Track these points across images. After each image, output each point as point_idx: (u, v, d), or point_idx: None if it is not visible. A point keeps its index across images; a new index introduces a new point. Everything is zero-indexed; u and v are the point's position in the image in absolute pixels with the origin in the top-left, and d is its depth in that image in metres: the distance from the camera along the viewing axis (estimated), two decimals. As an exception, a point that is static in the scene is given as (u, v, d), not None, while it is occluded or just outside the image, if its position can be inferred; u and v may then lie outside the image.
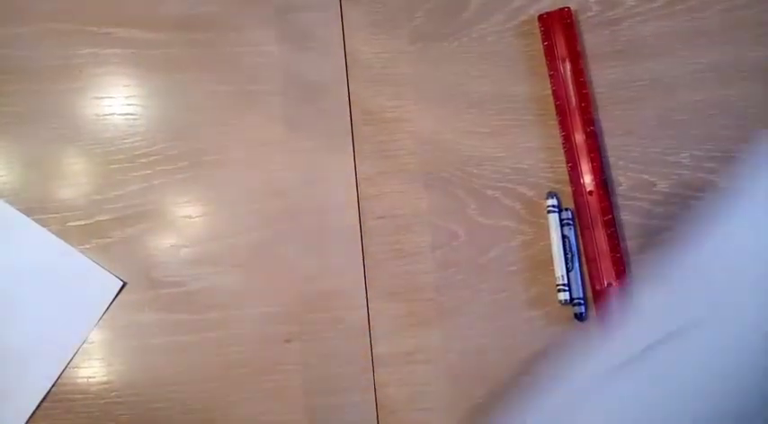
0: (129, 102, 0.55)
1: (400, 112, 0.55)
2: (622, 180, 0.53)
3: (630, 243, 0.51)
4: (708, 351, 0.38)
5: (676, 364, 0.38)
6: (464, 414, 0.49)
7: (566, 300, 0.50)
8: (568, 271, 0.50)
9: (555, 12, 0.55)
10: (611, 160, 0.53)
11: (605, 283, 0.50)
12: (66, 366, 0.50)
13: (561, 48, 0.54)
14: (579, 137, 0.53)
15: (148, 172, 0.53)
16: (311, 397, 0.50)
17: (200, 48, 0.56)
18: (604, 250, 0.51)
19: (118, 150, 0.54)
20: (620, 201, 0.52)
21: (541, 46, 0.55)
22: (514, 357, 0.50)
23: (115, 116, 0.55)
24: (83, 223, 0.52)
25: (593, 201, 0.52)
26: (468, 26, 0.56)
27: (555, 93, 0.54)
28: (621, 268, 0.50)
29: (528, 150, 0.53)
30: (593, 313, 0.50)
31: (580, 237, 0.52)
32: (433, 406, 0.49)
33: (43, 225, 0.52)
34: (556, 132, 0.54)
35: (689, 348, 0.37)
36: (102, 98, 0.55)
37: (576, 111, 0.53)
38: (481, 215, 0.52)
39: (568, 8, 0.55)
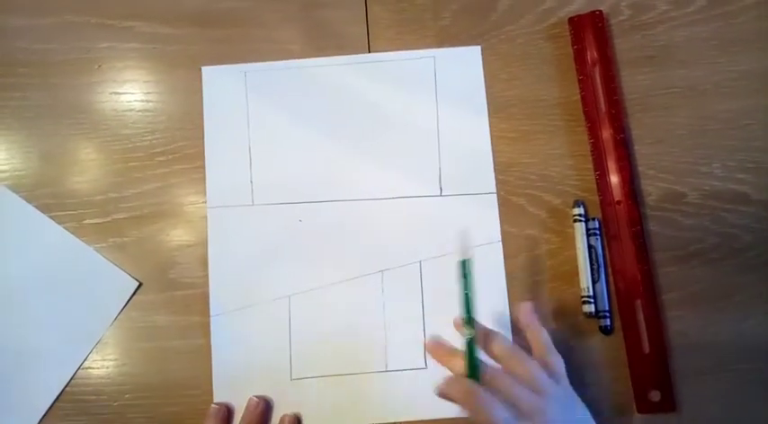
0: (149, 99, 0.54)
1: (424, 115, 0.53)
2: (652, 190, 0.51)
3: (659, 256, 0.50)
4: None
5: None
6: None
7: (591, 312, 0.48)
8: (594, 283, 0.49)
9: (586, 15, 0.54)
10: (641, 169, 0.51)
11: (632, 296, 0.49)
12: (79, 367, 0.49)
13: (591, 53, 0.53)
14: (608, 145, 0.51)
15: (166, 170, 0.52)
16: (328, 404, 0.49)
17: (222, 44, 0.54)
18: (632, 261, 0.49)
19: (136, 147, 0.53)
20: (648, 212, 0.51)
21: (571, 49, 0.54)
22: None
23: (134, 112, 0.54)
24: (99, 221, 0.52)
25: (621, 211, 0.50)
26: (497, 28, 0.54)
27: (584, 99, 0.52)
28: (649, 280, 0.49)
29: (555, 157, 0.52)
30: (618, 326, 0.49)
31: (607, 248, 0.50)
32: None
33: (59, 223, 0.51)
34: (584, 139, 0.52)
35: None
36: (120, 94, 0.54)
37: (605, 118, 0.52)
38: (505, 222, 0.51)
39: (600, 11, 0.53)
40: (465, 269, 0.43)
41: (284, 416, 0.48)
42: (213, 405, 0.48)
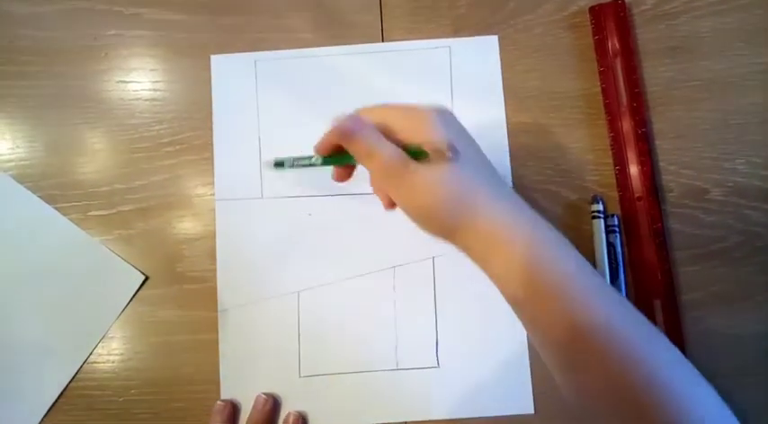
0: (156, 88, 0.52)
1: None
2: (673, 186, 0.49)
3: (680, 254, 0.48)
4: None
5: None
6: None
7: (609, 312, 0.47)
8: (613, 281, 0.48)
9: (607, 4, 0.52)
10: (662, 164, 0.50)
11: (652, 296, 0.47)
12: (84, 361, 0.48)
13: (613, 43, 0.51)
14: (629, 139, 0.49)
15: (174, 161, 0.51)
16: (337, 403, 0.48)
17: (232, 32, 0.53)
18: (652, 260, 0.48)
19: (143, 137, 0.51)
20: (669, 209, 0.49)
21: (591, 40, 0.52)
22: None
23: (141, 101, 0.52)
24: (105, 212, 0.50)
25: (641, 208, 0.49)
26: (514, 17, 0.53)
27: (605, 91, 0.51)
28: (670, 280, 0.47)
29: (573, 151, 0.50)
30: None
31: (626, 246, 0.49)
32: None
33: (64, 214, 0.50)
34: (604, 132, 0.50)
35: None
36: (127, 82, 0.53)
37: (626, 111, 0.50)
38: (521, 218, 0.49)
39: (622, 0, 0.52)
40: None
41: (289, 414, 0.47)
42: (219, 402, 0.47)
